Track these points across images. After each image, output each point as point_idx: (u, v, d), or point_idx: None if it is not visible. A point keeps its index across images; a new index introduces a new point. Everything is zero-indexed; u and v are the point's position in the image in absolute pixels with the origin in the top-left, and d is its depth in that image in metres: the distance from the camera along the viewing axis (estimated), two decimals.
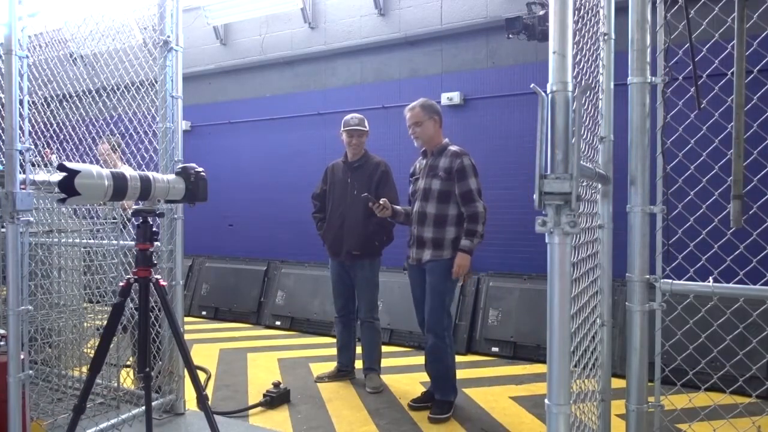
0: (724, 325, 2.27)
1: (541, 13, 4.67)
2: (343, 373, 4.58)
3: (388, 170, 4.41)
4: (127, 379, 3.80)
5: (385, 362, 4.62)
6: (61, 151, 4.08)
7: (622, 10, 2.17)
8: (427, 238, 3.82)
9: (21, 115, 2.76)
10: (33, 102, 3.76)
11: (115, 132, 4.22)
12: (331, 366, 4.67)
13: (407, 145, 6.34)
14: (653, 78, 2.12)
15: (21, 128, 2.75)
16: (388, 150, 5.96)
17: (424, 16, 6.26)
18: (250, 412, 3.86)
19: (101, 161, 4.29)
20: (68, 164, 2.15)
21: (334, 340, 4.82)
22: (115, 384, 3.70)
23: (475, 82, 6.02)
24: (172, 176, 2.60)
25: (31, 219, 2.75)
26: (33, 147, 3.31)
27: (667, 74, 2.14)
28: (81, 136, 4.03)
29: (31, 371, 2.70)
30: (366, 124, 4.46)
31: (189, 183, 2.60)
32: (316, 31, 6.97)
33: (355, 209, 4.32)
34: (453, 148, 3.89)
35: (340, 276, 4.51)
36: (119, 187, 2.30)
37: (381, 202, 4.02)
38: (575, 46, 1.67)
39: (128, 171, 2.39)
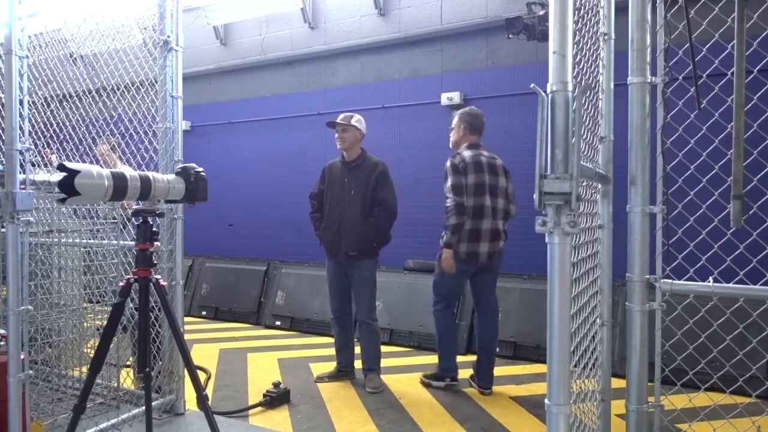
0: (724, 325, 2.27)
1: (541, 13, 4.66)
2: (343, 373, 4.57)
3: (385, 170, 4.37)
4: (127, 379, 3.80)
5: (385, 362, 4.62)
6: (61, 151, 4.08)
7: (622, 10, 2.17)
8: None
9: (21, 115, 2.75)
10: (33, 102, 3.76)
11: (115, 132, 4.22)
12: (331, 366, 4.67)
13: (407, 145, 6.37)
14: (653, 78, 2.13)
15: (21, 128, 2.75)
16: (388, 150, 5.97)
17: (424, 16, 6.26)
18: (250, 412, 3.86)
19: (101, 162, 4.29)
20: (68, 164, 2.15)
21: (334, 341, 4.82)
22: (115, 384, 3.70)
23: (475, 82, 6.02)
24: (172, 176, 2.60)
25: (31, 219, 2.74)
26: (33, 147, 3.31)
27: (667, 74, 2.14)
28: (81, 136, 4.03)
29: (31, 371, 2.70)
30: (354, 121, 4.38)
31: (189, 183, 2.60)
32: (316, 31, 6.97)
33: (353, 210, 4.31)
34: (457, 151, 4.33)
35: (336, 276, 4.50)
36: (119, 187, 2.30)
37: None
38: (575, 46, 1.67)
39: (128, 171, 2.40)
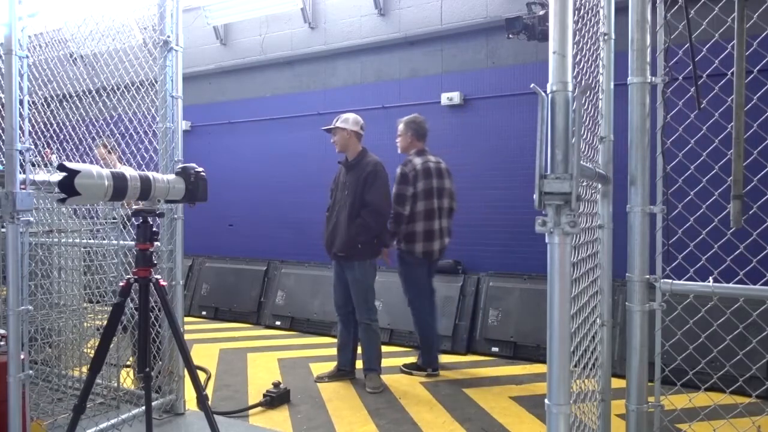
0: (724, 325, 2.27)
1: (541, 13, 4.66)
2: (343, 372, 4.58)
3: (376, 170, 4.34)
4: (127, 379, 3.81)
5: (385, 362, 4.62)
6: (61, 151, 4.08)
7: (622, 10, 2.17)
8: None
9: (21, 115, 2.75)
10: (33, 102, 3.76)
11: (115, 132, 4.22)
12: (331, 366, 4.67)
13: None
14: (653, 78, 2.13)
15: (21, 128, 2.75)
16: (388, 150, 5.93)
17: (424, 16, 6.26)
18: (250, 412, 3.86)
19: (101, 163, 4.29)
20: (68, 164, 2.15)
21: (334, 340, 4.85)
22: (115, 384, 3.70)
23: (475, 82, 6.02)
24: (172, 176, 2.61)
25: (31, 219, 2.74)
26: (33, 147, 3.31)
27: (667, 74, 2.14)
28: (81, 136, 4.03)
29: (31, 371, 2.70)
30: (340, 122, 4.40)
31: (189, 183, 2.60)
32: (316, 31, 6.97)
33: (344, 210, 4.35)
34: (408, 157, 4.71)
35: (338, 275, 4.53)
36: (119, 187, 2.30)
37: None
38: (575, 46, 1.67)
39: (128, 171, 2.40)
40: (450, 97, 6.05)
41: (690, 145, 2.23)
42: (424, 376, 4.67)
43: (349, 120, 4.40)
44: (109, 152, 4.52)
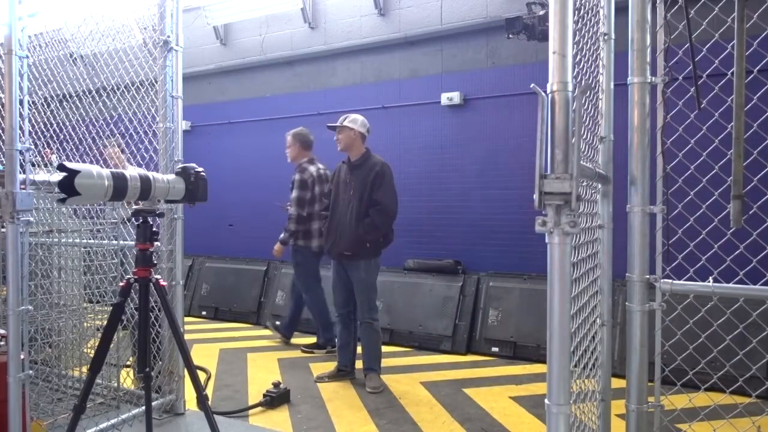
0: (724, 325, 2.27)
1: (541, 13, 4.66)
2: (343, 372, 4.58)
3: (383, 171, 4.35)
4: (127, 379, 3.81)
5: (385, 362, 4.62)
6: (61, 151, 4.08)
7: (622, 10, 2.17)
8: None
9: (21, 115, 2.75)
10: (33, 102, 3.76)
11: (115, 132, 4.22)
12: (331, 366, 4.67)
13: (408, 146, 6.36)
14: (653, 78, 2.13)
15: (21, 128, 2.75)
16: (388, 150, 5.95)
17: (424, 16, 6.26)
18: (250, 412, 3.86)
19: (111, 164, 4.29)
20: (68, 164, 2.15)
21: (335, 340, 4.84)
22: (115, 384, 3.70)
23: (475, 82, 6.02)
24: (172, 176, 2.61)
25: (31, 219, 2.74)
26: (33, 147, 3.31)
27: (667, 74, 2.14)
28: (81, 136, 4.03)
29: (31, 371, 2.70)
30: (348, 122, 4.43)
31: (189, 183, 2.60)
32: (316, 31, 6.97)
33: (350, 210, 4.34)
34: (303, 165, 5.41)
35: (339, 275, 4.52)
36: (119, 187, 2.30)
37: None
38: (575, 46, 1.67)
39: (130, 171, 2.40)
40: (450, 97, 6.05)
41: (690, 145, 2.23)
42: (324, 353, 5.28)
43: (357, 121, 4.44)
44: (123, 151, 4.54)
